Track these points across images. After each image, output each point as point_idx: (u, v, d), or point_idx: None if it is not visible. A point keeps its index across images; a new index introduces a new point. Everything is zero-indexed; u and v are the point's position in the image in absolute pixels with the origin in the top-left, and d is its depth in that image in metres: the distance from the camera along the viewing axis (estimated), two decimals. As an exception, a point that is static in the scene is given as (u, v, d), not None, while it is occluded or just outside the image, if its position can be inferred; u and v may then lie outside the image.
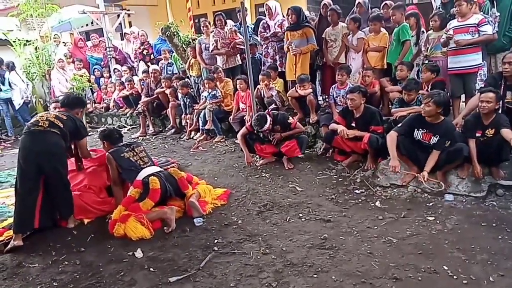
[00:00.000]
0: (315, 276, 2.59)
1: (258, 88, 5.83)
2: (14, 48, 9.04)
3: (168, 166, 4.74)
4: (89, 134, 7.95)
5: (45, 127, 3.43)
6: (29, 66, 9.05)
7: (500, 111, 3.77)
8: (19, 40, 9.17)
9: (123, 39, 10.33)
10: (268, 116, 4.83)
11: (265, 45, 6.26)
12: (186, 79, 7.25)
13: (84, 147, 3.83)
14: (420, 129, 3.88)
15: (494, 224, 3.13)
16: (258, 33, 6.37)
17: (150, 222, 3.38)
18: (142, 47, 8.37)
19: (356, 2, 5.97)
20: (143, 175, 3.64)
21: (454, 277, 2.49)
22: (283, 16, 6.20)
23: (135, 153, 3.81)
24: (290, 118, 4.86)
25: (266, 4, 6.18)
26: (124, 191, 3.77)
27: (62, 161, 3.54)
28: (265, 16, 6.35)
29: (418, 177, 3.79)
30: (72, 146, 3.88)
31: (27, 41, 9.34)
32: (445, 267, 2.58)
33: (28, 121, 3.77)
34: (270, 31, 6.10)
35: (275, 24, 6.11)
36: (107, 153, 3.81)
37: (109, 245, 3.21)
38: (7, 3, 13.76)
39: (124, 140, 4.12)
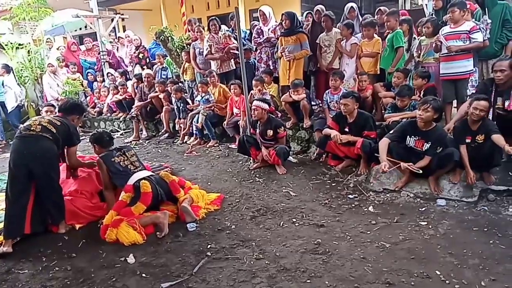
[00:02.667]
0: (308, 281, 2.59)
1: (251, 93, 5.84)
2: (6, 52, 8.97)
3: (161, 171, 4.73)
4: (82, 138, 7.92)
5: (37, 131, 3.40)
6: (21, 69, 8.98)
7: (490, 117, 3.81)
8: (11, 43, 9.09)
9: (116, 43, 10.29)
10: (268, 104, 4.95)
11: (259, 50, 6.29)
12: (180, 84, 7.24)
13: (73, 155, 3.77)
14: (413, 136, 3.91)
15: (485, 229, 3.16)
16: (252, 38, 6.40)
17: (143, 227, 3.35)
18: (137, 51, 8.35)
19: (348, 7, 6.02)
20: (134, 179, 3.62)
21: (447, 281, 2.50)
22: (276, 22, 6.25)
23: (126, 158, 3.79)
24: (282, 128, 4.87)
25: (260, 9, 6.21)
26: (116, 195, 3.73)
27: (54, 166, 3.50)
28: (259, 21, 6.38)
29: (402, 166, 3.78)
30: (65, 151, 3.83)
31: (19, 44, 9.27)
32: (438, 272, 2.59)
33: (16, 126, 3.73)
34: (263, 36, 6.14)
35: (268, 29, 6.14)
36: (98, 157, 3.78)
37: (101, 251, 3.18)
38: (-1, 6, 13.68)
39: (116, 145, 4.09)
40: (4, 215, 3.34)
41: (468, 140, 3.70)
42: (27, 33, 10.39)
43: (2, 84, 8.08)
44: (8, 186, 3.36)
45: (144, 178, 3.63)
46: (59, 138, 3.48)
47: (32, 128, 3.41)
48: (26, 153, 3.32)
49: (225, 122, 6.25)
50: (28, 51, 9.14)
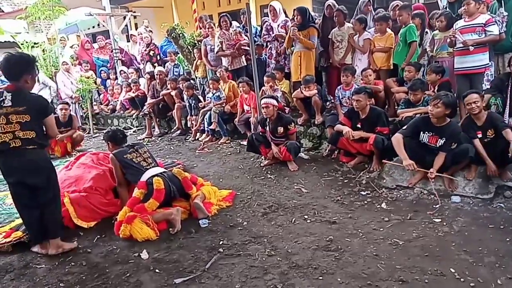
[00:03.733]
0: (321, 278, 2.58)
1: (263, 90, 5.83)
2: (22, 51, 9.12)
3: (173, 167, 4.77)
4: (95, 135, 8.05)
5: (18, 146, 2.93)
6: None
7: (507, 112, 3.74)
8: (26, 42, 9.25)
9: (129, 41, 10.40)
10: (276, 100, 4.93)
11: (269, 47, 6.28)
12: (192, 81, 7.27)
13: (50, 126, 3.15)
14: (426, 132, 3.86)
15: (501, 226, 3.10)
16: (262, 35, 6.39)
17: (156, 223, 3.39)
18: (148, 49, 8.41)
19: (365, 1, 5.93)
20: (147, 176, 3.65)
21: (461, 279, 2.46)
22: (286, 17, 6.22)
23: (138, 154, 3.83)
24: (292, 124, 4.87)
25: (271, 5, 6.18)
26: (129, 192, 3.78)
27: (50, 174, 3.17)
28: (268, 17, 6.35)
29: (428, 174, 3.74)
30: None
31: (34, 43, 9.42)
32: (452, 270, 2.56)
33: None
34: (273, 32, 6.12)
35: (278, 25, 6.12)
36: (111, 154, 3.83)
37: (115, 247, 3.23)
38: (15, 6, 13.93)
39: (129, 142, 4.14)
40: (25, 225, 3.27)
41: (479, 135, 3.65)
42: (42, 31, 10.55)
43: (37, 80, 8.14)
44: (13, 198, 3.13)
45: (156, 175, 3.66)
46: (43, 143, 3.08)
47: (12, 145, 2.91)
48: (20, 169, 2.98)
49: (236, 119, 6.26)
50: (43, 49, 9.28)
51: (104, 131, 4.61)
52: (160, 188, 3.56)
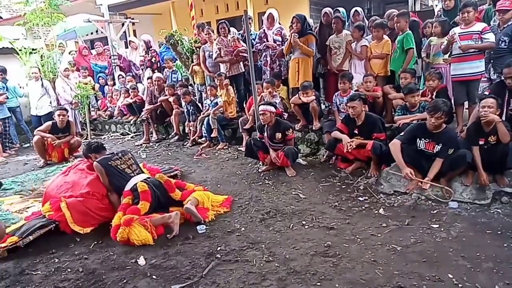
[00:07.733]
0: (319, 284, 2.57)
1: (262, 96, 5.85)
2: (20, 57, 9.12)
3: (171, 173, 4.77)
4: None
5: None
6: (34, 74, 9.09)
7: (504, 118, 3.76)
8: (25, 48, 9.24)
9: (127, 47, 10.41)
10: (274, 107, 4.92)
11: (263, 54, 6.31)
12: (190, 87, 7.29)
13: None
14: (423, 139, 3.87)
15: (499, 232, 3.10)
16: (255, 42, 6.43)
17: (154, 226, 3.38)
18: (150, 55, 8.42)
19: (353, 11, 6.04)
20: (131, 184, 3.71)
21: (459, 285, 2.46)
22: (280, 25, 6.27)
23: (122, 161, 3.89)
24: (290, 130, 4.87)
25: (270, 13, 6.22)
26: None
27: None
28: (263, 24, 6.39)
29: (421, 185, 3.77)
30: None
31: (32, 49, 9.41)
32: (450, 275, 2.55)
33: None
34: (267, 40, 6.15)
35: (273, 32, 6.16)
36: (95, 162, 3.87)
37: (112, 253, 3.21)
38: (13, 13, 13.96)
39: (128, 148, 4.15)
40: None
41: (481, 142, 3.66)
42: (40, 38, 10.56)
43: (42, 85, 8.11)
44: None
45: (139, 181, 3.72)
46: None
47: None
48: None
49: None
50: (41, 56, 9.27)
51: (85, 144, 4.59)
52: (144, 189, 3.61)
